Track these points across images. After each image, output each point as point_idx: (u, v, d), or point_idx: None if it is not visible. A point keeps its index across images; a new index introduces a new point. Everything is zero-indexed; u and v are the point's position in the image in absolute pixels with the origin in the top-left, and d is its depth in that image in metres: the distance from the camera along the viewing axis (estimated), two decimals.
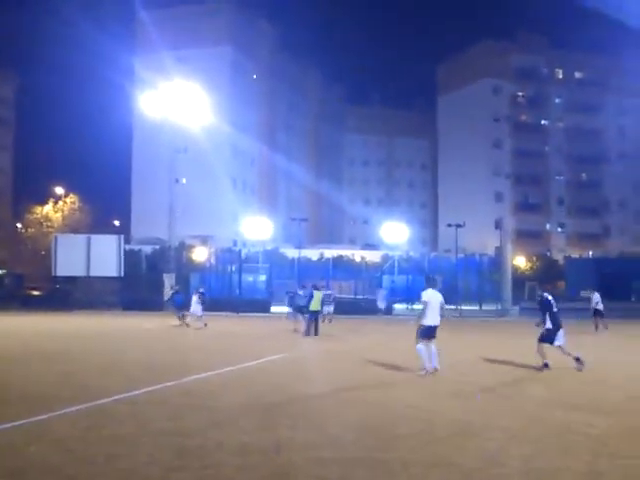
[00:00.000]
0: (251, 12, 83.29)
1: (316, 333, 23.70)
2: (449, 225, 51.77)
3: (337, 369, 15.32)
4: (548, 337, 14.62)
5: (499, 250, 49.64)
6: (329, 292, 36.43)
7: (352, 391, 12.01)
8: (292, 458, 7.25)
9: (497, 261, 49.91)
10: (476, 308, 46.16)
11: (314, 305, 23.93)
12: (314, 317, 24.10)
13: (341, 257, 57.79)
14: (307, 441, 7.99)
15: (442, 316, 13.79)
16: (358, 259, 59.85)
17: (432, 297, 13.77)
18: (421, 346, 13.66)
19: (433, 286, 14.18)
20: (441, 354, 14.12)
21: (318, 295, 24.16)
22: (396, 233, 62.31)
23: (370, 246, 70.63)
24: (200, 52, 76.88)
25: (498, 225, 50.65)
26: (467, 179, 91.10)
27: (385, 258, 58.31)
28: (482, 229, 74.26)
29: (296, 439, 8.13)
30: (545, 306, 14.80)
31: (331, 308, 32.87)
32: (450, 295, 47.21)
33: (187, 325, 28.76)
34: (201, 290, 33.14)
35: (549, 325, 14.65)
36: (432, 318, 13.64)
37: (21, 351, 19.03)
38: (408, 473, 6.78)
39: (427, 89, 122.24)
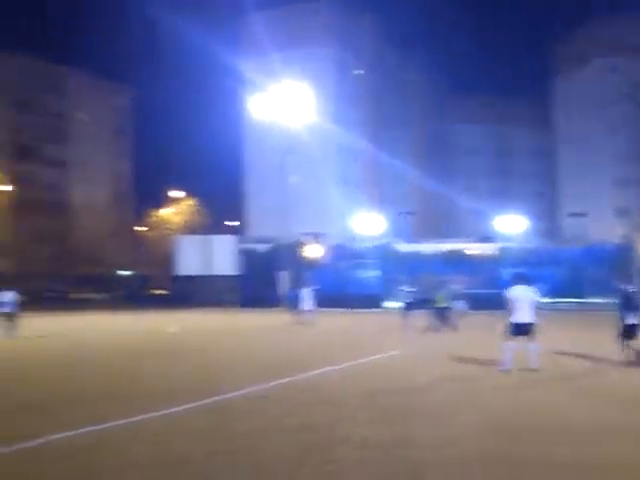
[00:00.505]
0: (355, 8, 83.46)
1: (444, 329, 23.54)
2: (571, 215, 49.64)
3: (456, 366, 15.25)
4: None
5: (625, 239, 47.46)
6: (456, 287, 36.39)
7: (471, 387, 12.05)
8: (413, 454, 7.34)
9: (623, 250, 47.69)
10: (601, 300, 44.48)
11: (441, 301, 23.84)
12: (441, 313, 23.91)
13: (454, 251, 57.04)
14: (428, 437, 8.08)
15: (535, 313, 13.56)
16: (472, 252, 58.88)
17: (520, 294, 13.62)
18: (509, 343, 13.59)
19: (523, 282, 13.94)
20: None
21: (444, 291, 24.07)
22: (512, 224, 60.90)
23: (485, 239, 69.35)
24: (306, 52, 77.53)
25: (621, 213, 48.43)
26: (587, 165, 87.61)
27: (501, 251, 57.17)
28: (605, 217, 71.53)
29: (417, 435, 8.24)
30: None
31: (460, 304, 32.37)
32: (572, 287, 45.99)
33: (302, 322, 28.94)
34: (314, 287, 33.88)
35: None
36: (521, 315, 13.50)
37: (149, 348, 19.97)
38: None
39: (540, 72, 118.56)
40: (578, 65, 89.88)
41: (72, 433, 8.43)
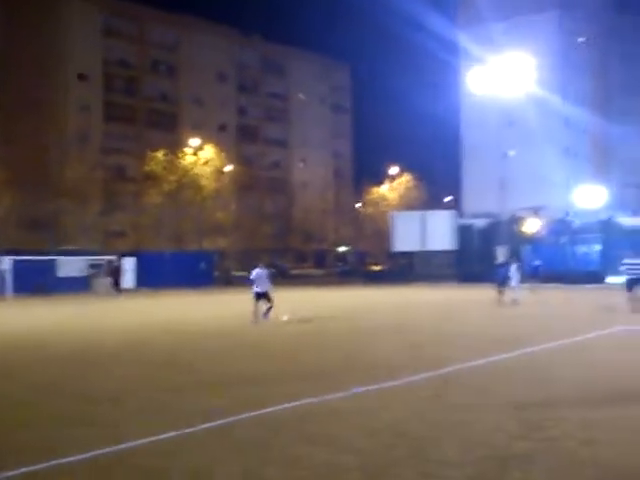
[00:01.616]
0: None
1: None
2: None
3: None
4: None
5: None
6: (537, 263, 34.82)
7: None
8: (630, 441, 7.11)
9: None
10: None
11: None
12: None
13: None
14: None
15: None
16: None
17: None
18: None
19: None
20: None
21: None
22: None
23: None
24: (525, 19, 74.90)
25: None
26: None
27: None
28: None
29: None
30: None
31: None
32: None
33: (504, 299, 26.98)
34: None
35: None
36: None
37: (369, 322, 20.66)
38: None
39: None
40: None
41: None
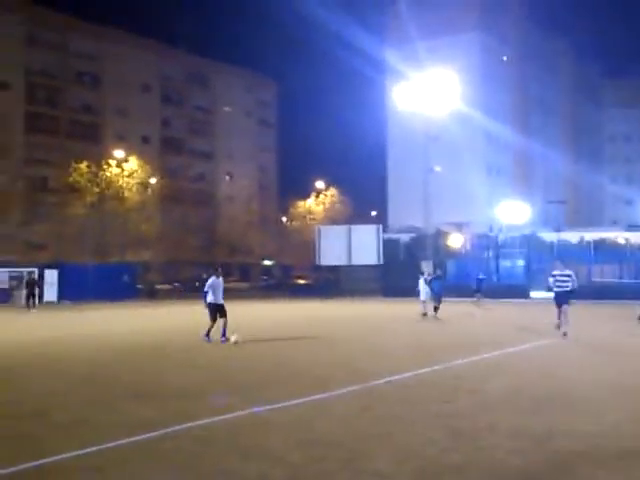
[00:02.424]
0: None
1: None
2: None
3: (605, 358, 14.87)
4: None
5: None
6: (482, 277, 35.86)
7: (625, 381, 11.69)
8: (566, 445, 7.23)
9: None
10: None
11: None
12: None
13: (603, 240, 54.90)
14: (582, 429, 7.96)
15: None
16: (622, 241, 56.55)
17: None
18: None
19: None
20: None
21: None
22: None
23: (634, 227, 66.33)
24: (450, 39, 76.69)
25: None
26: None
27: None
28: None
29: (571, 426, 8.08)
30: None
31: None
32: None
33: (425, 314, 26.97)
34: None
35: None
36: None
37: (297, 336, 20.52)
38: None
39: None
40: None
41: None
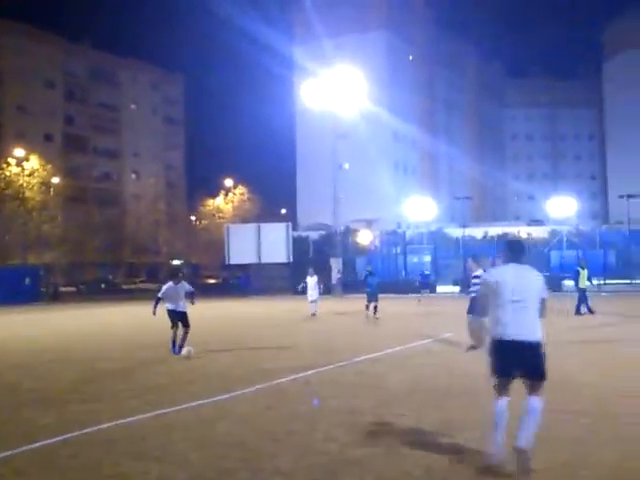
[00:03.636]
0: None
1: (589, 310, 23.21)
2: (621, 196, 49.84)
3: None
4: None
5: None
6: (427, 273, 36.50)
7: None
8: (464, 437, 7.35)
9: None
10: None
11: (583, 282, 23.52)
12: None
13: (506, 234, 56.50)
14: (477, 421, 8.11)
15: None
16: (524, 236, 58.38)
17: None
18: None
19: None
20: None
21: (584, 273, 23.74)
22: (563, 207, 60.06)
23: (536, 222, 68.59)
24: (357, 37, 77.33)
25: None
26: (638, 147, 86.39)
27: (552, 234, 56.51)
28: None
29: (467, 419, 8.25)
30: None
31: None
32: (623, 269, 45.51)
33: (314, 314, 26.34)
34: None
35: None
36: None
37: (206, 336, 20.25)
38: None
39: (590, 55, 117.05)
40: (630, 46, 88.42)
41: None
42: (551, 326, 14.39)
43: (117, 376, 12.76)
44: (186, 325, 15.30)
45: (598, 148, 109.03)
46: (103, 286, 68.34)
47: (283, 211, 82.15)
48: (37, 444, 7.43)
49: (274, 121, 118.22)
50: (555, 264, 49.42)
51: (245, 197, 73.81)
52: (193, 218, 78.37)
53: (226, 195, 74.26)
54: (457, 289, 43.36)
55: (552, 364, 6.44)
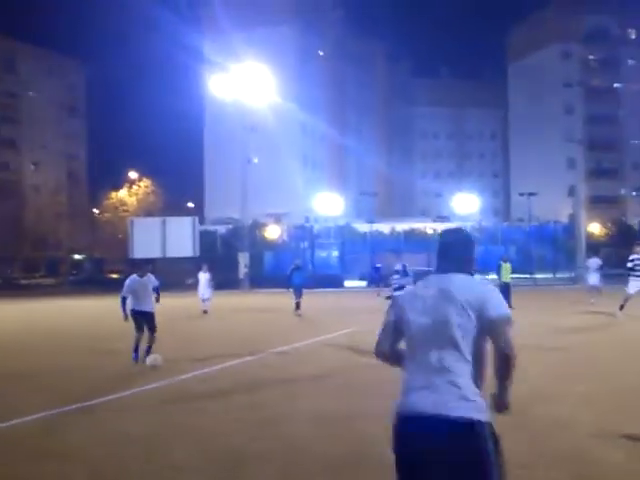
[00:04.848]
0: None
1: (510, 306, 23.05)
2: (521, 194, 51.42)
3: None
4: None
5: (572, 217, 48.87)
6: (379, 266, 36.76)
7: None
8: (367, 428, 7.34)
9: (571, 228, 49.24)
10: (550, 276, 45.80)
11: (505, 276, 23.66)
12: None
13: (413, 230, 57.42)
14: (378, 412, 8.08)
15: None
16: (430, 232, 59.43)
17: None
18: None
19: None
20: None
21: (506, 266, 23.90)
22: (467, 204, 61.54)
23: (441, 218, 69.91)
24: (267, 32, 76.91)
25: (571, 192, 49.81)
26: (539, 147, 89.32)
27: None
28: (555, 197, 73.10)
29: (369, 409, 8.24)
30: None
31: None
32: (524, 264, 46.91)
33: (206, 311, 24.70)
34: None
35: None
36: None
37: (108, 332, 19.64)
38: None
39: (496, 57, 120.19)
40: (534, 50, 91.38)
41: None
42: None
43: (15, 374, 12.20)
44: (153, 328, 12.98)
45: (501, 148, 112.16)
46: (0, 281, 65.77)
47: (190, 205, 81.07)
48: None
49: (182, 113, 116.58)
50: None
51: (150, 190, 72.34)
52: (96, 211, 76.23)
53: (130, 188, 72.58)
54: (364, 284, 43.74)
55: None
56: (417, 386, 3.36)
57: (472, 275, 3.62)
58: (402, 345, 3.63)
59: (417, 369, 3.41)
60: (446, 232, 3.83)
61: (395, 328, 3.63)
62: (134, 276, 13.25)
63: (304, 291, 24.40)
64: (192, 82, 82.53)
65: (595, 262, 25.03)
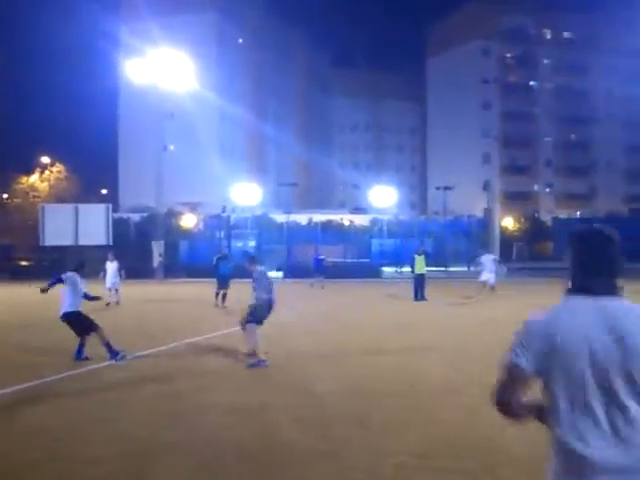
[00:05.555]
0: None
1: (422, 297, 23.77)
2: (438, 188, 52.39)
3: (313, 332, 15.67)
4: None
5: (487, 212, 50.07)
6: (321, 257, 36.60)
7: (340, 353, 12.19)
8: (276, 417, 7.46)
9: (485, 222, 50.41)
10: (465, 269, 46.78)
11: (419, 268, 23.91)
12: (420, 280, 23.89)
13: (330, 221, 57.88)
14: (289, 402, 8.20)
15: None
16: (347, 223, 60.02)
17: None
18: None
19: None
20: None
21: (420, 259, 24.05)
22: (385, 197, 62.22)
23: (359, 210, 70.68)
24: (186, 18, 75.95)
25: (486, 187, 51.06)
26: (456, 142, 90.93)
27: (374, 222, 58.49)
28: (470, 191, 74.61)
29: (280, 400, 8.34)
30: None
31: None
32: (439, 257, 47.90)
33: (109, 304, 23.06)
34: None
35: None
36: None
37: (19, 319, 19.12)
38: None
39: (416, 52, 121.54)
40: (453, 46, 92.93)
41: None
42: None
43: None
44: (90, 327, 11.70)
45: (419, 141, 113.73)
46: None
47: (104, 191, 79.42)
48: None
49: (96, 98, 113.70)
50: (376, 251, 51.23)
51: (63, 176, 70.50)
52: (5, 196, 73.80)
53: (42, 173, 70.58)
54: (280, 274, 43.81)
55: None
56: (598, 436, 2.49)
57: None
58: None
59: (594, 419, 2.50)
60: (588, 232, 2.71)
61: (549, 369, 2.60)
62: (69, 272, 12.28)
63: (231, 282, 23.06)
64: (108, 67, 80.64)
65: (488, 258, 24.80)
